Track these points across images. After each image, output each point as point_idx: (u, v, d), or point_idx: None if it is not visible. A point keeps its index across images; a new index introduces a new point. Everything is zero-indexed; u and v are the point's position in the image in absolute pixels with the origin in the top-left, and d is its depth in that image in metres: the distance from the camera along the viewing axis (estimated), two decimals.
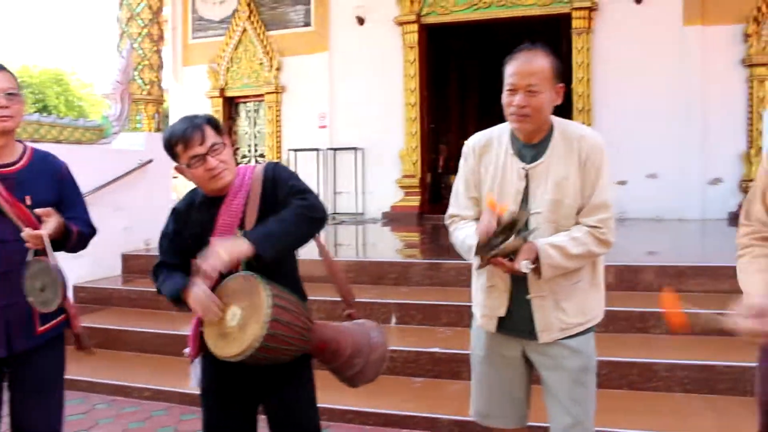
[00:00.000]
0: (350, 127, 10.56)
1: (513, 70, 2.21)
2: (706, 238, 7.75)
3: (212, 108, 11.37)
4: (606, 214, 2.22)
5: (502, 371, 2.39)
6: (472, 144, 2.41)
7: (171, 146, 2.27)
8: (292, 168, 10.83)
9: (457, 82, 14.13)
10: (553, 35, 11.29)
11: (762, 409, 1.94)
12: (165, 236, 2.40)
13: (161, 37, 7.61)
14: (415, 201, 10.22)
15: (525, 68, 2.18)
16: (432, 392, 4.07)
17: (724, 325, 1.69)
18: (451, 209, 2.46)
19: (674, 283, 5.07)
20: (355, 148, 10.47)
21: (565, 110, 10.02)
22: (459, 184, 2.44)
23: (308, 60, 10.85)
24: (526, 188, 2.25)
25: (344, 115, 10.64)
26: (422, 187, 10.32)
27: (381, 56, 10.38)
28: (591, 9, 9.48)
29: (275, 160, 3.13)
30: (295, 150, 10.81)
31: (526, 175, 2.26)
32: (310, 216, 2.22)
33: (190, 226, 2.34)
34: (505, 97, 2.24)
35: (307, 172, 10.56)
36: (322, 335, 2.32)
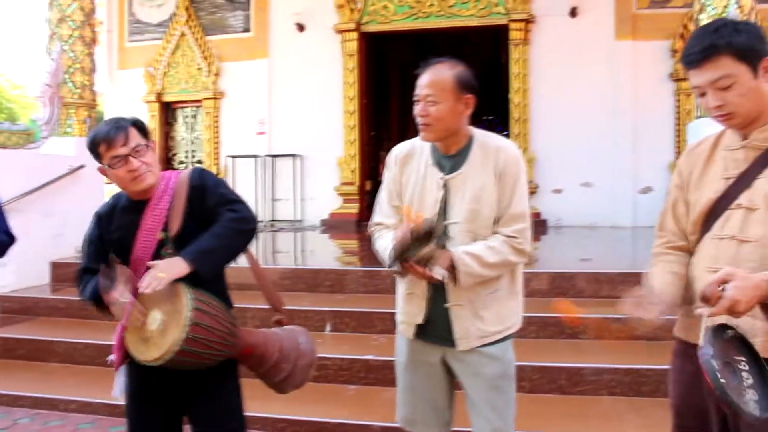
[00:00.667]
0: (289, 134, 10.53)
1: (418, 82, 2.31)
2: (636, 244, 8.00)
3: (149, 113, 11.16)
4: (522, 224, 2.30)
5: (424, 378, 2.43)
6: (395, 154, 2.48)
7: (94, 146, 2.27)
8: (230, 175, 10.74)
9: (398, 90, 14.24)
10: (492, 46, 11.52)
11: (673, 411, 2.03)
12: (88, 241, 2.39)
13: (94, 40, 7.44)
14: (353, 208, 10.25)
15: (426, 80, 2.28)
16: (365, 400, 4.09)
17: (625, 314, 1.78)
18: (375, 217, 2.52)
19: (605, 288, 5.23)
20: (294, 155, 10.44)
21: (502, 120, 10.26)
22: (382, 193, 2.51)
23: (247, 66, 10.77)
24: (445, 198, 2.31)
25: (283, 122, 10.60)
26: (361, 194, 10.36)
27: (321, 63, 10.38)
28: (528, 21, 9.70)
29: (201, 166, 3.12)
30: (234, 156, 10.71)
31: (445, 185, 2.32)
32: (243, 228, 2.26)
33: (113, 230, 2.34)
34: (414, 109, 2.33)
35: (246, 179, 10.49)
36: (248, 340, 2.33)
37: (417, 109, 2.30)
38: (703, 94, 1.82)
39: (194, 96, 11.10)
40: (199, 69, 11.01)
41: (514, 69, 9.76)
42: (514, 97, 9.76)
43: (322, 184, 10.41)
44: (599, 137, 9.46)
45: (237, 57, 10.82)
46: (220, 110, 11.00)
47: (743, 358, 1.63)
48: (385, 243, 2.36)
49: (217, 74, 10.91)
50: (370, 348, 4.47)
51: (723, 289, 1.59)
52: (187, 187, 2.31)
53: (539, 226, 9.40)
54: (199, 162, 11.18)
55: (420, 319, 2.35)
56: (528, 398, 4.02)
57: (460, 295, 2.28)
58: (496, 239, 2.26)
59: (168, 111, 11.47)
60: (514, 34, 9.74)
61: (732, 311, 1.58)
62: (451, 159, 2.35)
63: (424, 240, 2.09)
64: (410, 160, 2.42)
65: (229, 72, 10.91)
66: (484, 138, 2.36)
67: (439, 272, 2.13)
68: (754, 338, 1.73)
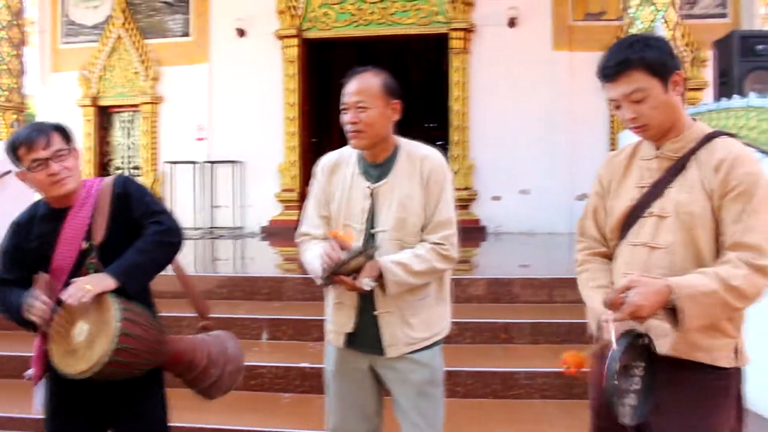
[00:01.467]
0: (229, 140, 10.40)
1: (344, 91, 2.34)
2: (572, 250, 8.18)
3: (84, 117, 10.88)
4: (449, 230, 2.32)
5: (353, 386, 2.44)
6: (322, 164, 2.50)
7: (14, 149, 2.24)
8: (168, 181, 10.52)
9: (340, 97, 14.23)
10: (434, 54, 11.63)
11: (592, 412, 2.09)
12: (4, 251, 2.33)
13: (23, 41, 7.22)
14: (294, 215, 10.15)
15: (353, 87, 2.32)
16: (300, 408, 4.07)
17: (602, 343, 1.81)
18: (302, 227, 2.52)
19: (540, 294, 5.34)
20: (234, 162, 10.33)
21: (442, 127, 10.36)
22: (310, 203, 2.51)
23: (187, 71, 10.60)
24: (372, 207, 2.34)
25: (223, 128, 10.47)
26: (301, 201, 10.27)
27: (261, 69, 10.30)
28: (468, 30, 9.84)
29: (125, 174, 3.10)
30: (172, 162, 10.53)
31: (372, 194, 2.34)
32: (170, 241, 2.27)
33: (32, 239, 2.29)
34: (341, 118, 2.34)
35: (184, 186, 10.34)
36: (177, 347, 2.31)
37: (346, 117, 2.32)
38: (618, 107, 1.90)
39: (131, 100, 10.86)
40: (136, 73, 10.79)
41: (454, 77, 9.89)
42: (454, 105, 9.88)
43: (262, 190, 10.32)
44: (537, 145, 9.65)
45: (176, 61, 10.64)
46: (158, 115, 10.80)
47: (642, 364, 1.70)
48: (311, 256, 2.36)
49: (155, 78, 10.71)
50: (306, 356, 4.45)
51: (626, 296, 1.65)
52: (111, 195, 2.28)
53: (478, 232, 9.53)
54: (137, 168, 10.95)
55: (349, 328, 2.36)
56: (462, 403, 4.08)
57: (389, 303, 2.30)
58: (422, 247, 2.29)
59: (104, 115, 11.20)
60: (455, 43, 9.86)
61: (635, 316, 1.65)
62: (377, 168, 2.37)
63: (353, 258, 2.12)
64: (338, 170, 2.44)
65: (167, 76, 10.72)
66: (409, 147, 2.40)
67: (367, 283, 2.15)
68: (665, 337, 1.79)
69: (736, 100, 4.47)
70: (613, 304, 1.68)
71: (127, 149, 11.19)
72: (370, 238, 2.30)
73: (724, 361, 1.83)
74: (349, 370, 2.43)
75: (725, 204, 1.79)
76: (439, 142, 10.53)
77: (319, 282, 2.25)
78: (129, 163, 11.15)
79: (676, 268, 1.79)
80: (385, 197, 2.33)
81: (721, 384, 1.84)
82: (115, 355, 2.03)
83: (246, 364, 4.22)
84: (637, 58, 1.82)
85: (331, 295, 2.43)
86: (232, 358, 2.44)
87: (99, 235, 2.23)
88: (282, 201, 10.31)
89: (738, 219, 1.76)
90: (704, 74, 9.28)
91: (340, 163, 2.45)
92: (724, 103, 4.64)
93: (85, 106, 10.95)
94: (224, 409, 3.95)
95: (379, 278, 2.20)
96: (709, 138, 1.89)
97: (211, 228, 10.29)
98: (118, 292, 2.13)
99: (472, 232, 9.32)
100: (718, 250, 1.80)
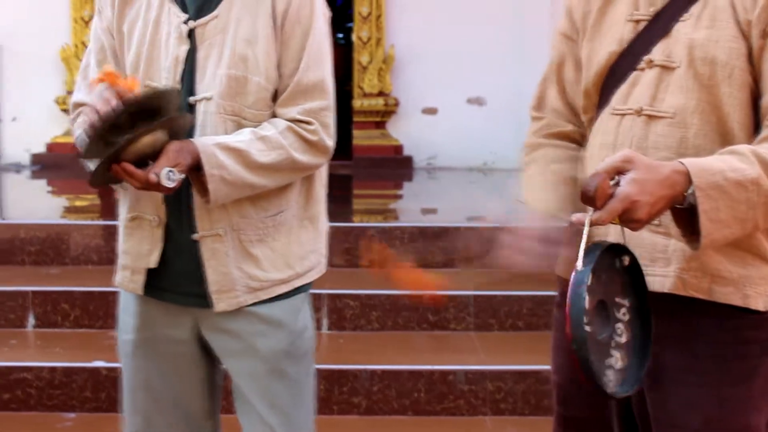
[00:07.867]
0: None
1: None
2: None
3: None
4: (320, 101, 2.33)
5: (166, 366, 2.43)
6: None
7: None
8: None
9: None
10: None
11: (556, 391, 2.14)
12: None
13: None
14: None
15: None
16: (90, 428, 4.14)
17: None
18: (76, 94, 2.51)
19: None
20: None
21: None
22: (89, 55, 2.50)
23: None
24: (191, 57, 2.31)
25: None
26: None
27: None
28: None
29: None
30: None
31: (191, 35, 2.31)
32: None
33: None
34: None
35: None
36: None
37: None
38: None
39: None
40: None
41: None
42: None
43: (34, 93, 10.07)
44: (499, 25, 9.69)
45: None
46: None
47: (627, 303, 1.70)
48: (78, 126, 2.35)
49: None
50: (101, 350, 4.48)
51: (616, 183, 1.61)
52: None
53: (402, 166, 9.61)
54: None
55: (152, 261, 2.33)
56: (364, 423, 4.20)
57: (216, 219, 2.28)
58: (274, 125, 2.28)
59: None
60: None
61: (628, 217, 1.61)
62: None
63: (143, 120, 2.02)
64: None
65: None
66: None
67: (167, 175, 2.05)
68: (666, 267, 1.83)
69: None
70: (594, 197, 1.59)
71: None
72: (186, 108, 2.25)
73: (762, 301, 1.86)
74: (159, 339, 2.42)
75: None
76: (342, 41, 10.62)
77: (83, 156, 2.19)
78: None
79: (688, 147, 1.81)
80: (213, 42, 2.30)
81: (757, 336, 1.88)
82: None
83: None
84: None
85: (123, 207, 2.40)
86: None
87: None
88: (69, 112, 10.07)
89: None
90: None
91: None
92: None
93: None
94: None
95: (196, 173, 2.16)
96: None
97: None
98: None
99: (390, 165, 9.40)
100: (758, 121, 1.84)
